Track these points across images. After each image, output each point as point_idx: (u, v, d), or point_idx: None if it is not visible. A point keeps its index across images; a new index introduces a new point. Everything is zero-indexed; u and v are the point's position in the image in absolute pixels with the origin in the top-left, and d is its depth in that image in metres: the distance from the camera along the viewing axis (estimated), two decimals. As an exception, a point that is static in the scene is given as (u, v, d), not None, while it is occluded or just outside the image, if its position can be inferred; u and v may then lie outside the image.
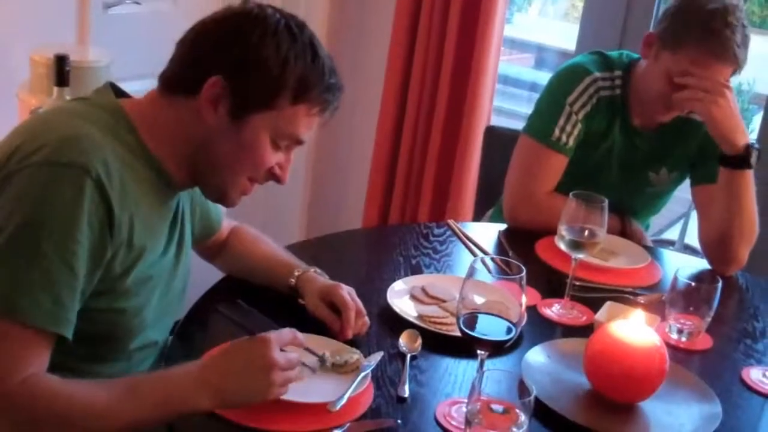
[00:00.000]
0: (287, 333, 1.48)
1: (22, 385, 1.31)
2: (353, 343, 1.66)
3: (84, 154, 1.38)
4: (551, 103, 2.36)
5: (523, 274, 1.44)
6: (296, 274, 1.79)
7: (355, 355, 1.59)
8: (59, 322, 1.36)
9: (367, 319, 1.72)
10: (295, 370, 1.44)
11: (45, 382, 1.35)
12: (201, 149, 1.53)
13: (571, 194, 1.91)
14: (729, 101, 2.14)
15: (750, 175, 2.19)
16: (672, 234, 4.77)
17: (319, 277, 1.80)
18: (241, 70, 1.47)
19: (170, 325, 1.69)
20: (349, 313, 1.68)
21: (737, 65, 2.16)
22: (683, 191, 2.56)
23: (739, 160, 2.17)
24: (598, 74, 2.33)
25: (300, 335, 1.51)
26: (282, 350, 1.44)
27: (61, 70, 2.41)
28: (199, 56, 1.50)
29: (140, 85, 1.59)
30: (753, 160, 2.16)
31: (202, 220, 1.83)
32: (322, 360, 1.57)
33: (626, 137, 2.38)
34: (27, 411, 1.33)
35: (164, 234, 1.59)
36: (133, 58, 2.69)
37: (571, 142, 2.32)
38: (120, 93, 1.57)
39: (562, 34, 5.01)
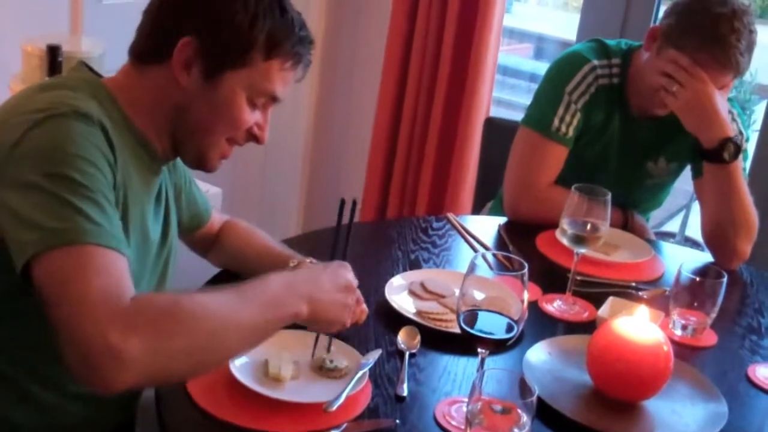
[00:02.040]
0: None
1: (135, 301, 1.23)
2: (355, 342, 1.63)
3: (80, 107, 1.36)
4: (550, 92, 2.33)
5: (525, 270, 1.40)
6: (291, 264, 1.76)
7: (344, 361, 1.55)
8: (119, 241, 1.30)
9: (365, 306, 1.68)
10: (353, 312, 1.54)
11: (153, 296, 1.38)
12: (178, 115, 1.52)
13: (573, 187, 1.87)
14: (702, 95, 2.12)
15: (734, 168, 2.17)
16: (673, 226, 4.75)
17: (315, 266, 1.76)
18: (211, 29, 1.47)
19: None
20: None
21: (738, 72, 2.15)
22: (684, 183, 2.54)
23: (714, 154, 2.16)
24: (596, 62, 2.30)
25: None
26: None
27: (54, 61, 2.38)
28: (168, 21, 1.50)
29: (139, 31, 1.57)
30: (727, 154, 2.15)
31: (189, 209, 1.81)
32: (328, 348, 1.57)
33: (625, 127, 2.35)
34: (148, 323, 1.21)
35: (150, 210, 1.58)
36: (127, 48, 2.65)
37: (570, 132, 2.29)
38: (93, 72, 1.56)
39: (562, 24, 4.98)
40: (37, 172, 1.28)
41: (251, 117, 1.54)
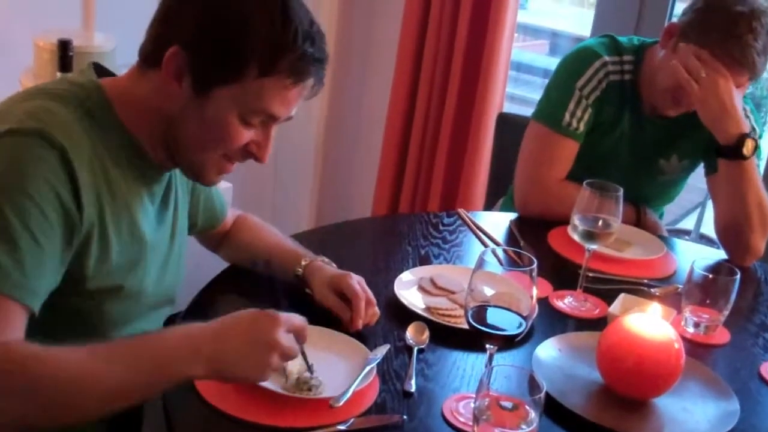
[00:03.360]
0: (299, 320, 1.41)
1: None
2: (363, 337, 1.62)
3: (47, 124, 1.33)
4: (561, 88, 2.32)
5: (534, 266, 1.39)
6: (303, 263, 1.75)
7: (314, 381, 1.47)
8: (23, 291, 1.28)
9: (377, 309, 1.68)
10: (290, 358, 1.38)
11: (21, 348, 1.25)
12: (171, 126, 1.45)
13: (584, 183, 1.86)
14: (722, 91, 2.11)
15: (750, 164, 2.16)
16: (688, 224, 4.73)
17: (327, 266, 1.75)
18: (200, 39, 1.37)
19: (165, 317, 1.65)
20: (359, 303, 1.64)
21: (754, 73, 2.14)
22: (698, 180, 2.52)
23: (732, 150, 2.14)
24: (607, 58, 2.29)
25: (307, 331, 1.44)
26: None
27: (65, 56, 2.38)
28: (162, 26, 1.42)
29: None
30: (745, 150, 2.13)
31: (206, 210, 1.79)
32: (310, 370, 1.48)
33: (637, 124, 2.34)
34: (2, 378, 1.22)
35: (152, 217, 1.55)
36: (138, 43, 2.65)
37: (581, 127, 2.28)
38: (105, 72, 1.52)
39: (577, 20, 4.96)
40: None
41: (244, 135, 1.44)
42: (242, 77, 1.38)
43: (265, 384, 1.42)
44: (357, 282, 1.67)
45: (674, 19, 2.24)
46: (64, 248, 1.35)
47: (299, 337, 1.42)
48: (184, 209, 1.67)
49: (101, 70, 1.52)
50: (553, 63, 2.63)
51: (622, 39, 2.35)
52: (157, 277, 1.57)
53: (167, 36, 1.40)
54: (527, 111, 2.54)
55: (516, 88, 4.01)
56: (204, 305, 1.71)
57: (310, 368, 1.48)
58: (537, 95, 2.45)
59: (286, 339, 1.35)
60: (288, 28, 1.38)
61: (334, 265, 1.77)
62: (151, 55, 1.43)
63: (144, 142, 1.48)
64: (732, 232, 2.21)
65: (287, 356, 1.37)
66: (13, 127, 1.32)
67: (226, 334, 1.34)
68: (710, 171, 2.33)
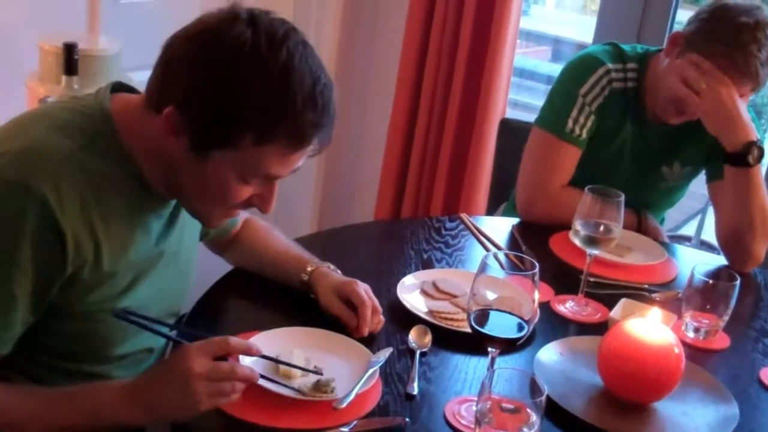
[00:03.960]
0: (216, 341, 1.35)
1: None
2: (366, 340, 1.63)
3: (35, 173, 1.31)
4: (564, 94, 2.33)
5: (536, 270, 1.40)
6: (309, 269, 1.76)
7: (333, 384, 1.48)
8: None
9: (382, 317, 1.69)
10: (229, 381, 1.33)
11: None
12: (173, 171, 1.43)
13: (586, 189, 1.87)
14: (726, 98, 2.12)
15: (755, 171, 2.17)
16: (689, 230, 4.73)
17: (333, 273, 1.76)
18: (193, 103, 1.34)
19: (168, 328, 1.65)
20: (366, 311, 1.65)
21: (757, 83, 2.15)
22: (700, 186, 2.53)
23: (739, 157, 2.15)
24: (610, 65, 2.30)
25: (235, 340, 1.36)
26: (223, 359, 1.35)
27: (70, 59, 2.39)
28: (161, 80, 1.39)
29: (150, 74, 1.54)
30: (752, 158, 2.14)
31: None
32: (317, 372, 1.48)
33: (639, 131, 2.35)
34: None
35: (156, 238, 1.53)
36: (143, 47, 2.64)
37: (584, 134, 2.29)
38: (125, 89, 1.51)
39: (580, 27, 4.96)
40: None
41: (244, 191, 1.42)
42: (239, 144, 1.35)
43: (270, 386, 1.43)
44: (363, 290, 1.68)
45: (676, 26, 2.26)
46: (43, 291, 1.36)
47: (248, 352, 1.39)
48: (193, 221, 1.66)
49: (120, 87, 1.50)
50: (555, 69, 2.64)
51: (626, 47, 2.36)
52: (160, 294, 1.57)
53: (165, 91, 1.38)
54: (529, 117, 2.54)
55: (518, 94, 4.01)
56: (208, 307, 1.72)
57: (316, 370, 1.48)
58: (539, 101, 2.46)
59: (200, 364, 1.31)
60: (286, 94, 1.33)
61: (340, 272, 1.78)
62: (152, 101, 1.40)
63: (148, 173, 1.46)
64: (734, 239, 2.21)
65: (213, 378, 1.32)
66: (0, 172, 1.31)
67: (152, 380, 1.36)
68: (712, 178, 2.34)
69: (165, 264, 1.56)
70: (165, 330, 1.48)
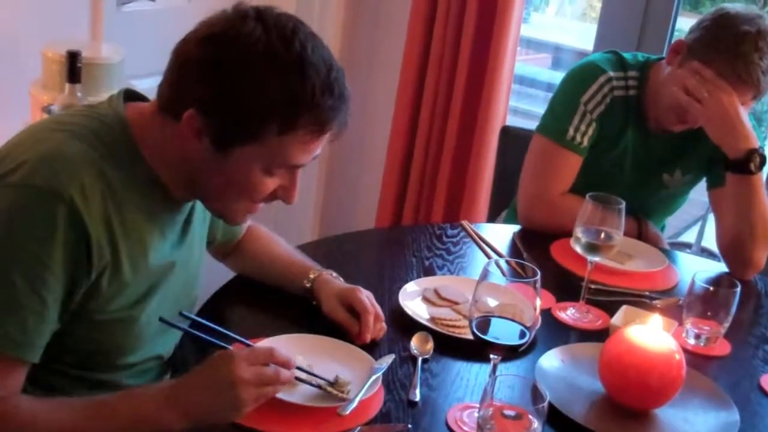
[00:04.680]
0: (262, 352, 1.39)
1: None
2: (368, 346, 1.63)
3: (60, 176, 1.33)
4: (565, 101, 2.34)
5: (538, 277, 1.41)
6: (312, 276, 1.76)
7: (350, 386, 1.50)
8: (23, 348, 1.34)
9: (384, 324, 1.70)
10: (272, 386, 1.36)
11: (10, 405, 1.33)
12: (194, 174, 1.45)
13: (587, 196, 1.88)
14: (728, 106, 2.13)
15: (757, 178, 2.17)
16: (689, 237, 4.74)
17: (335, 280, 1.77)
18: (215, 105, 1.36)
19: (176, 340, 1.65)
20: (369, 318, 1.66)
21: (759, 91, 2.15)
22: (701, 194, 2.54)
23: (740, 165, 2.16)
24: (612, 74, 2.31)
25: (281, 355, 1.39)
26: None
27: (74, 67, 2.39)
28: (177, 85, 1.41)
29: (153, 82, 1.54)
30: (753, 165, 2.15)
31: (225, 229, 1.80)
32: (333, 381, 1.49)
33: (640, 139, 2.35)
34: None
35: (171, 246, 1.55)
36: (146, 55, 2.67)
37: (585, 141, 2.30)
38: (136, 97, 1.52)
39: (580, 34, 4.97)
40: None
41: (270, 183, 1.44)
42: (262, 138, 1.37)
43: (291, 398, 1.44)
44: (366, 297, 1.69)
45: (676, 34, 2.27)
46: (68, 299, 1.37)
47: (287, 365, 1.40)
48: (203, 231, 1.68)
49: (132, 95, 1.52)
50: (555, 76, 2.65)
51: (627, 55, 2.37)
52: (172, 303, 1.58)
53: (182, 96, 1.39)
54: (530, 124, 2.55)
55: (518, 101, 4.02)
56: (211, 314, 1.71)
57: (335, 381, 1.49)
58: (539, 108, 2.47)
59: (249, 372, 1.33)
60: (305, 86, 1.36)
61: (342, 279, 1.79)
62: (168, 106, 1.42)
63: (166, 179, 1.47)
64: (736, 246, 2.22)
65: (260, 384, 1.35)
66: (25, 178, 1.33)
67: (194, 385, 1.37)
68: (713, 185, 2.35)
69: (176, 274, 1.57)
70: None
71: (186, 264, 1.60)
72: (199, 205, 1.61)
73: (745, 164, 2.15)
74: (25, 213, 1.32)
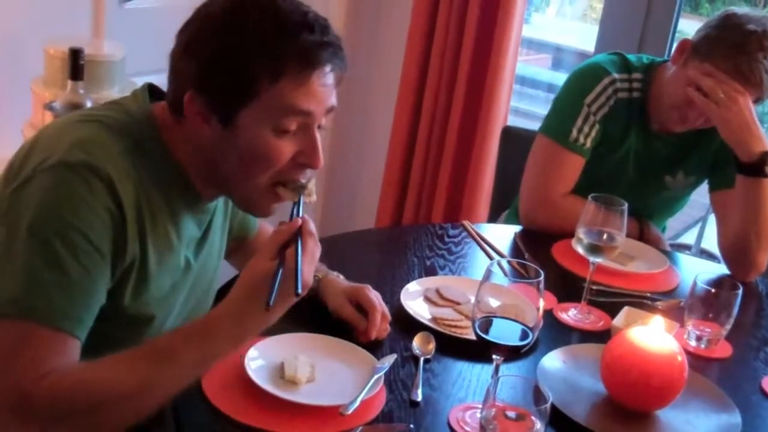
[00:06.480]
0: (274, 240, 1.36)
1: (39, 385, 1.27)
2: (370, 346, 1.63)
3: (96, 155, 1.35)
4: (569, 103, 2.34)
5: (541, 278, 1.41)
6: (318, 276, 1.76)
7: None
8: (72, 322, 1.32)
9: (388, 325, 1.70)
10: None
11: (66, 377, 1.30)
12: (214, 166, 1.46)
13: (589, 197, 1.88)
14: (743, 108, 2.12)
15: (766, 181, 2.16)
16: (689, 238, 4.74)
17: (342, 279, 1.78)
18: (207, 77, 1.39)
19: None
20: (376, 316, 1.66)
21: (761, 91, 2.15)
22: (701, 195, 2.54)
23: (754, 168, 2.15)
24: (616, 75, 2.31)
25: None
26: None
27: (76, 64, 2.39)
28: (171, 76, 1.45)
29: (155, 79, 1.55)
30: (767, 168, 2.14)
31: (241, 228, 1.81)
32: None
33: (644, 141, 2.35)
34: (49, 409, 1.29)
35: (195, 246, 1.56)
36: (148, 52, 2.65)
37: (588, 143, 2.29)
38: (159, 93, 1.53)
39: (580, 35, 4.97)
40: (23, 225, 1.31)
41: (285, 149, 1.43)
42: (258, 92, 1.38)
43: (275, 391, 1.44)
44: (374, 296, 1.70)
45: (678, 35, 2.26)
46: (110, 277, 1.38)
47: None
48: (224, 231, 1.68)
49: (153, 90, 1.53)
50: (556, 77, 2.65)
51: (631, 57, 2.37)
52: (194, 303, 1.59)
53: (179, 84, 1.43)
54: (531, 124, 2.55)
55: (520, 101, 4.02)
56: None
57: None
58: (541, 109, 2.47)
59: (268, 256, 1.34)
60: (283, 31, 1.37)
61: (347, 281, 1.79)
62: (174, 102, 1.45)
63: (192, 175, 1.49)
64: (740, 248, 2.21)
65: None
66: (61, 158, 1.33)
67: (227, 302, 1.36)
68: (716, 187, 2.35)
69: (193, 278, 1.58)
70: None
71: (203, 270, 1.61)
72: (218, 217, 1.63)
73: (759, 167, 2.14)
74: (63, 188, 1.32)
